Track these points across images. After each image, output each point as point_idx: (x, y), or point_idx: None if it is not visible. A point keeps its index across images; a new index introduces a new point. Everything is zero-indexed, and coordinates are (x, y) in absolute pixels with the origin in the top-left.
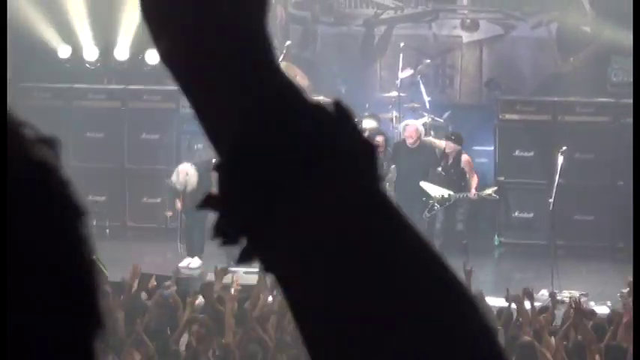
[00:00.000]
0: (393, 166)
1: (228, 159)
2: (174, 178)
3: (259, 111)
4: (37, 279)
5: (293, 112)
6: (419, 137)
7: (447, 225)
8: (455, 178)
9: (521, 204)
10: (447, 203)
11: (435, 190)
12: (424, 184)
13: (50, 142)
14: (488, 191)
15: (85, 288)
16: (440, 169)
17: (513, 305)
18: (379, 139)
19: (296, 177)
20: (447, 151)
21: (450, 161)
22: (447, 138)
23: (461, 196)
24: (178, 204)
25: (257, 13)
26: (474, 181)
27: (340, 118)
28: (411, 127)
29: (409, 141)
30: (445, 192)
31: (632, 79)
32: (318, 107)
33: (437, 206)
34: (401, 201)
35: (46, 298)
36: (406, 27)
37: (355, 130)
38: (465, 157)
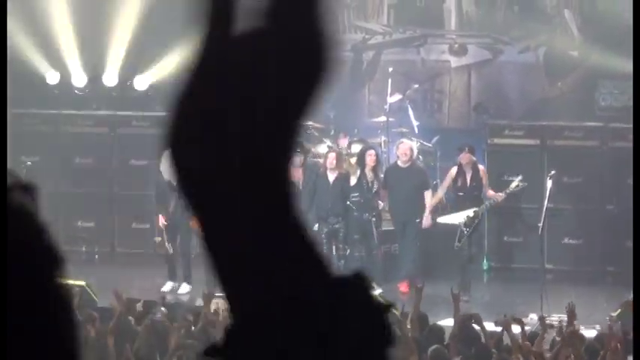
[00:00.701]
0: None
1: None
2: (162, 167)
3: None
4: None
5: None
6: (411, 157)
7: (470, 249)
8: (476, 193)
9: (510, 228)
10: (477, 221)
11: (456, 217)
12: (442, 219)
13: (28, 189)
14: (515, 183)
15: (60, 340)
16: (458, 189)
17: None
18: (371, 153)
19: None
20: (463, 163)
21: (469, 175)
22: (461, 150)
23: (488, 204)
24: (162, 220)
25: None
26: (491, 191)
27: (356, 290)
28: (405, 146)
29: (403, 159)
30: (469, 212)
31: (619, 104)
32: (336, 280)
33: (467, 230)
34: (396, 225)
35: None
36: (394, 52)
37: (369, 302)
38: (482, 168)
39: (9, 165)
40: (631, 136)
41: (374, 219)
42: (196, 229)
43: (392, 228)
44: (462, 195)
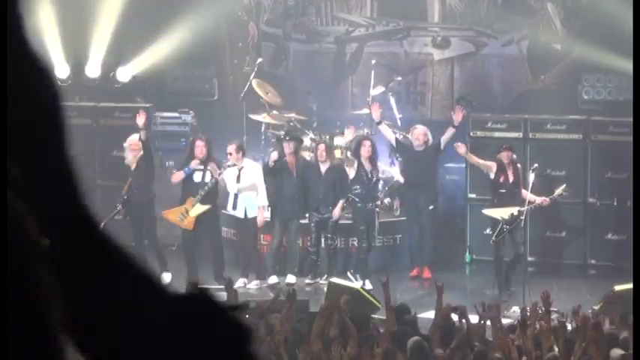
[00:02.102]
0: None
1: None
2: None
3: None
4: None
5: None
6: (425, 142)
7: (513, 248)
8: (516, 190)
9: (492, 222)
10: (519, 220)
11: (500, 212)
12: (487, 212)
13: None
14: (559, 191)
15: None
16: (500, 186)
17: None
18: (366, 143)
19: None
20: (505, 162)
21: (510, 172)
22: (502, 148)
23: (532, 207)
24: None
25: None
26: (526, 192)
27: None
28: (419, 130)
29: (416, 143)
30: (513, 209)
31: (602, 97)
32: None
33: (506, 227)
34: (408, 206)
35: None
36: (377, 44)
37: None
38: (520, 166)
39: None
40: (613, 129)
41: (377, 209)
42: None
43: (391, 219)
44: (504, 192)
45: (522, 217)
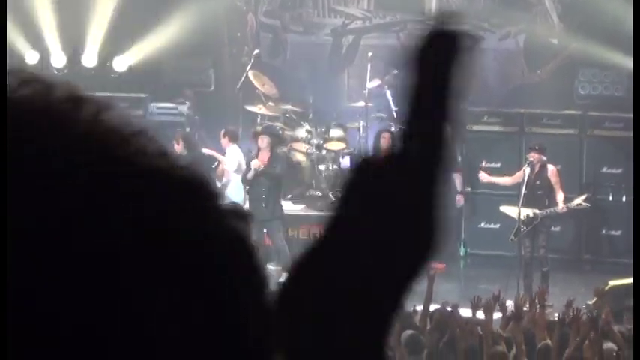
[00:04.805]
0: None
1: None
2: None
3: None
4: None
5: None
6: None
7: (532, 250)
8: (540, 194)
9: (487, 215)
10: (535, 222)
11: (514, 211)
12: (504, 208)
13: (243, 216)
14: (578, 201)
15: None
16: (523, 187)
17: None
18: (386, 135)
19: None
20: (533, 161)
21: (535, 173)
22: (531, 149)
23: (549, 211)
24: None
25: None
26: (561, 195)
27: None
28: None
29: None
30: (529, 211)
31: (598, 92)
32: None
33: (523, 228)
34: None
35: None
36: (374, 37)
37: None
38: (551, 169)
39: None
40: (608, 124)
41: None
42: None
43: None
44: (526, 193)
45: (537, 221)
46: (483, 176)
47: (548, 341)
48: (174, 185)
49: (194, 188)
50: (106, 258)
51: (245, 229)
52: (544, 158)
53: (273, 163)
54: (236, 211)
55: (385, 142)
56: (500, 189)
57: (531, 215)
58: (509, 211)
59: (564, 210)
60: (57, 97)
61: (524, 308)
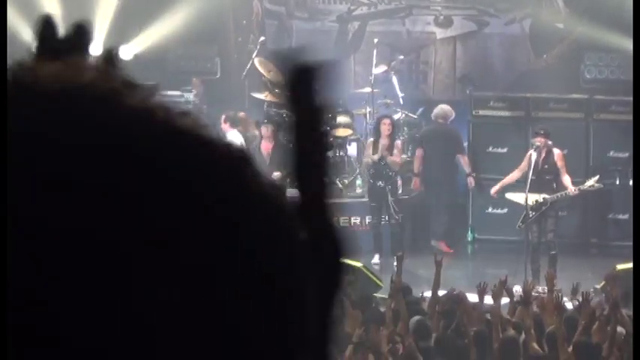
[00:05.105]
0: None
1: None
2: None
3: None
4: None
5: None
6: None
7: (540, 235)
8: (548, 178)
9: (494, 200)
10: (544, 208)
11: (521, 197)
12: (510, 195)
13: (280, 187)
14: (591, 182)
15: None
16: (530, 172)
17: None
18: (386, 121)
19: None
20: (539, 145)
21: (542, 158)
22: (537, 133)
23: (559, 195)
24: None
25: None
26: (568, 178)
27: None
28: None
29: (440, 121)
30: (538, 196)
31: (604, 76)
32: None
33: (532, 214)
34: (428, 185)
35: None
36: (380, 23)
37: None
38: (557, 152)
39: None
40: (615, 108)
41: (389, 187)
42: None
43: (406, 196)
44: (534, 178)
45: (547, 205)
46: (494, 189)
47: (557, 326)
48: (222, 157)
49: (240, 160)
50: (170, 235)
51: (284, 199)
52: (550, 142)
53: (277, 152)
54: (273, 184)
55: (385, 128)
56: (506, 174)
57: (541, 200)
58: (516, 197)
59: (576, 192)
60: (115, 80)
61: (534, 293)
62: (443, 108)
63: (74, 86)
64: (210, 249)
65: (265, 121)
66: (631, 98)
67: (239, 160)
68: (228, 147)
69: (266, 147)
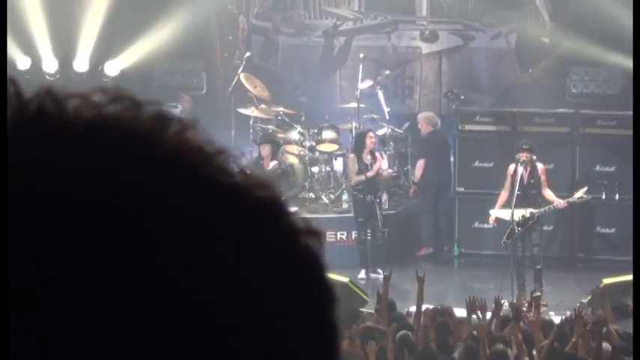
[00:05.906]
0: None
1: None
2: None
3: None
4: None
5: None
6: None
7: (524, 249)
8: (534, 193)
9: (480, 215)
10: (531, 222)
11: (509, 214)
12: (495, 212)
13: (317, 234)
14: (579, 194)
15: None
16: (516, 187)
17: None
18: (371, 135)
19: None
20: (523, 160)
21: (527, 173)
22: (521, 148)
23: (547, 209)
24: None
25: None
26: (550, 192)
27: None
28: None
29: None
30: (524, 211)
31: (590, 90)
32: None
33: (518, 229)
34: (427, 193)
35: None
36: (365, 38)
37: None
38: (540, 166)
39: None
40: (601, 122)
41: (378, 200)
42: None
43: (393, 212)
44: (519, 193)
45: (534, 220)
46: (492, 219)
47: (546, 342)
48: (253, 204)
49: (273, 208)
50: (188, 276)
51: (318, 247)
52: (534, 157)
53: (277, 171)
54: (310, 229)
55: (370, 142)
56: (492, 188)
57: (527, 215)
58: (501, 214)
59: (565, 205)
60: (144, 116)
61: (524, 308)
62: (428, 116)
63: (100, 120)
64: (230, 309)
65: (262, 141)
66: (617, 112)
67: (272, 210)
68: (261, 197)
69: (267, 166)
